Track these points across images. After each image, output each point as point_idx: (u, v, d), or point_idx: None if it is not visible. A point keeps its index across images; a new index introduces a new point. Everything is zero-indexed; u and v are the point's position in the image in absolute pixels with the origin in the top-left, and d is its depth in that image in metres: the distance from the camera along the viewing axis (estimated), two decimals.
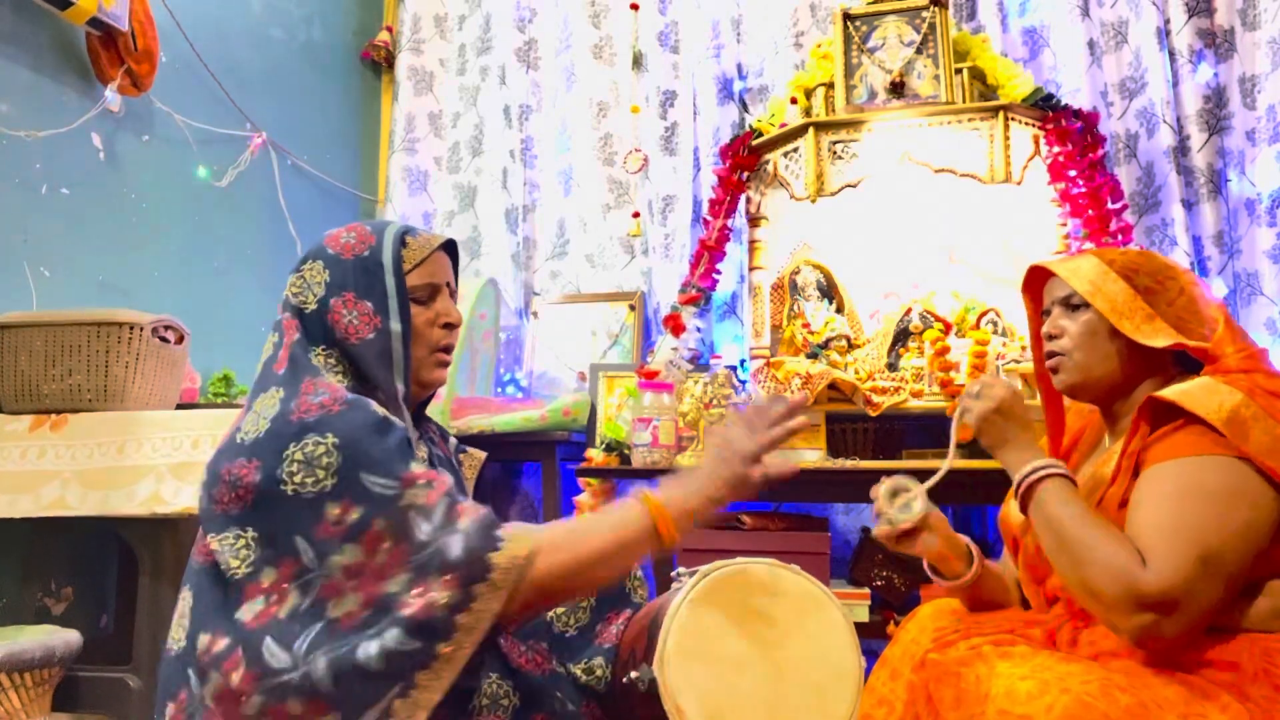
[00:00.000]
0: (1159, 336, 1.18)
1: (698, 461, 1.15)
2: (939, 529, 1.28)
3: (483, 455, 1.41)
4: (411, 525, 1.00)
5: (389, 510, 1.00)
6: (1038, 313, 1.39)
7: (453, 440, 1.38)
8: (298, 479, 1.02)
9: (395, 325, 1.16)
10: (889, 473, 1.92)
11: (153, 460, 1.83)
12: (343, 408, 1.06)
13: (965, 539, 1.34)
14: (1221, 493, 1.05)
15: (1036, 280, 1.38)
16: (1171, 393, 1.11)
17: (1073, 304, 1.26)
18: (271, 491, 1.02)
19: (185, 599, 1.08)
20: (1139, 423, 1.15)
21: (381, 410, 1.07)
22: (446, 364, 1.25)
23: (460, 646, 0.97)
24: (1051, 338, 1.28)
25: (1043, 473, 1.14)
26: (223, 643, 1.01)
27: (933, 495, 1.25)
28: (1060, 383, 1.28)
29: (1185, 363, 1.22)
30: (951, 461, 1.24)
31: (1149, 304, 1.21)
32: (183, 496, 1.78)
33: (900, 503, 1.25)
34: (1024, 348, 2.29)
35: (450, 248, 1.29)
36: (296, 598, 1.00)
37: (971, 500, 2.20)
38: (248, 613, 1.01)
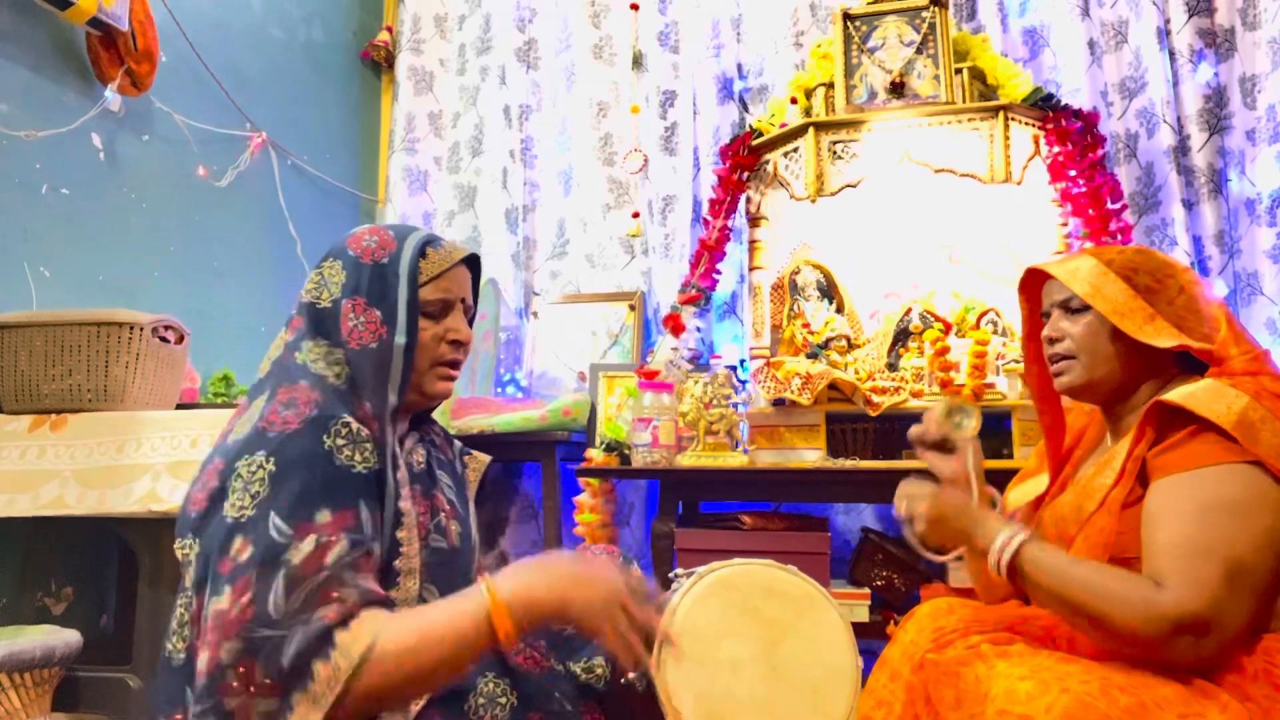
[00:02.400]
0: (1162, 337, 1.17)
1: (568, 566, 1.04)
2: (976, 471, 1.29)
3: (487, 459, 1.39)
4: (272, 589, 0.94)
5: (268, 561, 0.95)
6: (1033, 314, 1.39)
7: (457, 444, 1.37)
8: (232, 498, 1.00)
9: (399, 339, 1.13)
10: (889, 473, 1.94)
11: (151, 459, 1.83)
12: (300, 426, 1.03)
13: (995, 492, 1.34)
14: (1240, 504, 1.03)
15: (1033, 282, 1.37)
16: (1178, 396, 1.10)
17: (1072, 307, 1.25)
18: (216, 505, 1.01)
19: (180, 609, 1.08)
20: (1144, 426, 1.14)
21: (335, 440, 1.03)
22: (451, 378, 1.23)
23: None
24: (1053, 341, 1.28)
25: (1011, 548, 1.12)
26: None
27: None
28: (1063, 385, 1.27)
29: (1187, 363, 1.21)
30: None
31: (1149, 303, 1.20)
32: (180, 495, 1.77)
33: (956, 420, 1.28)
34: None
35: (473, 262, 1.27)
36: (193, 637, 0.98)
37: None
38: (193, 639, 1.00)
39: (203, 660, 0.94)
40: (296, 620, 0.93)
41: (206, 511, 1.02)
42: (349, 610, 0.95)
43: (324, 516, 0.99)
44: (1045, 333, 1.29)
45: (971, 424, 1.29)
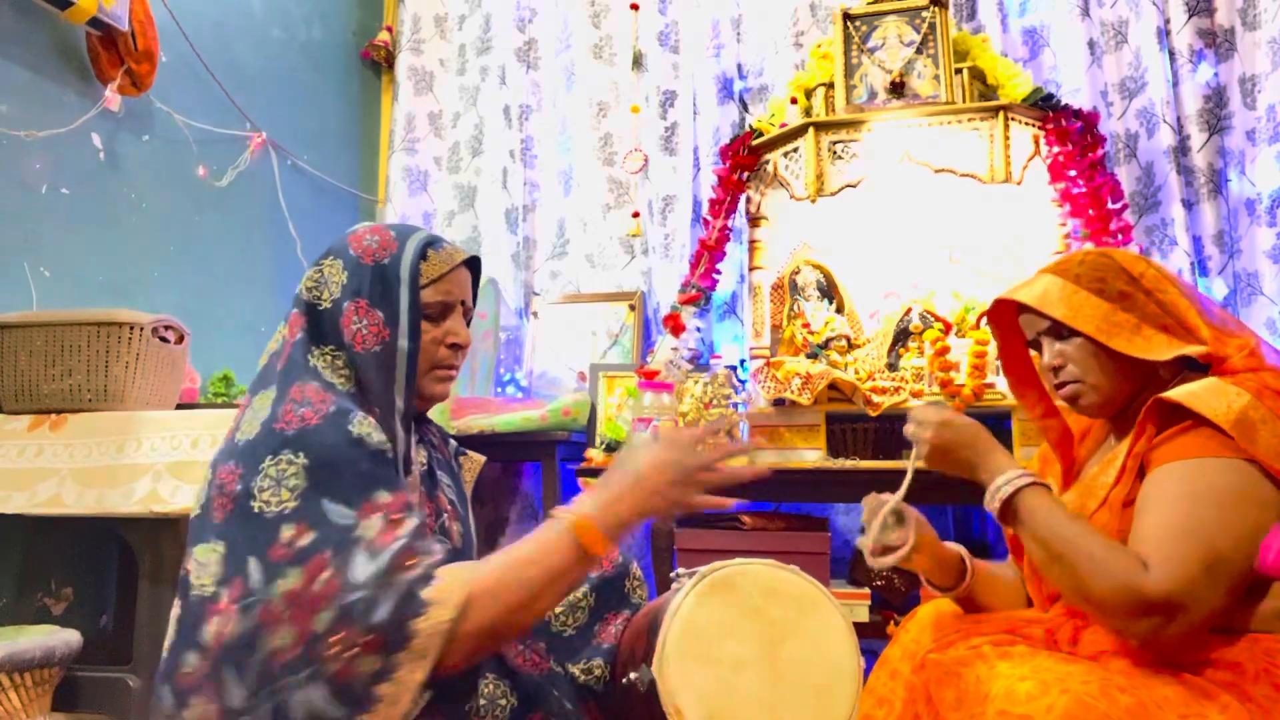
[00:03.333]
0: (1153, 345, 1.17)
1: (630, 465, 1.08)
2: (927, 548, 1.27)
3: (482, 459, 1.39)
4: (353, 561, 0.96)
5: (338, 540, 0.97)
6: (1006, 340, 1.38)
7: (453, 443, 1.37)
8: (264, 496, 1.00)
9: (403, 343, 1.13)
10: (889, 473, 1.93)
11: (151, 459, 1.83)
12: (320, 422, 1.04)
13: (957, 550, 1.33)
14: (1228, 496, 1.04)
15: (1004, 311, 1.35)
16: (1178, 394, 1.10)
17: (1061, 333, 1.23)
18: (244, 506, 1.01)
19: (176, 609, 1.08)
20: (1144, 423, 1.14)
21: (362, 428, 1.05)
22: (449, 379, 1.23)
23: (384, 718, 0.94)
24: (1056, 369, 1.26)
25: (1013, 486, 1.12)
26: (203, 667, 1.00)
27: (912, 499, 1.24)
28: (1083, 409, 1.26)
29: (1188, 359, 1.20)
30: (905, 487, 1.24)
31: (1129, 310, 1.19)
32: (181, 495, 1.77)
33: (884, 525, 1.24)
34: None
35: (473, 264, 1.27)
36: (239, 621, 0.98)
37: (971, 501, 2.19)
38: (209, 634, 1.00)
39: (288, 636, 0.94)
40: (384, 582, 0.95)
41: (232, 515, 1.02)
42: (426, 569, 0.97)
43: (384, 496, 1.01)
44: (1046, 362, 1.27)
45: (910, 523, 1.24)
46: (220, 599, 1.00)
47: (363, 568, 0.96)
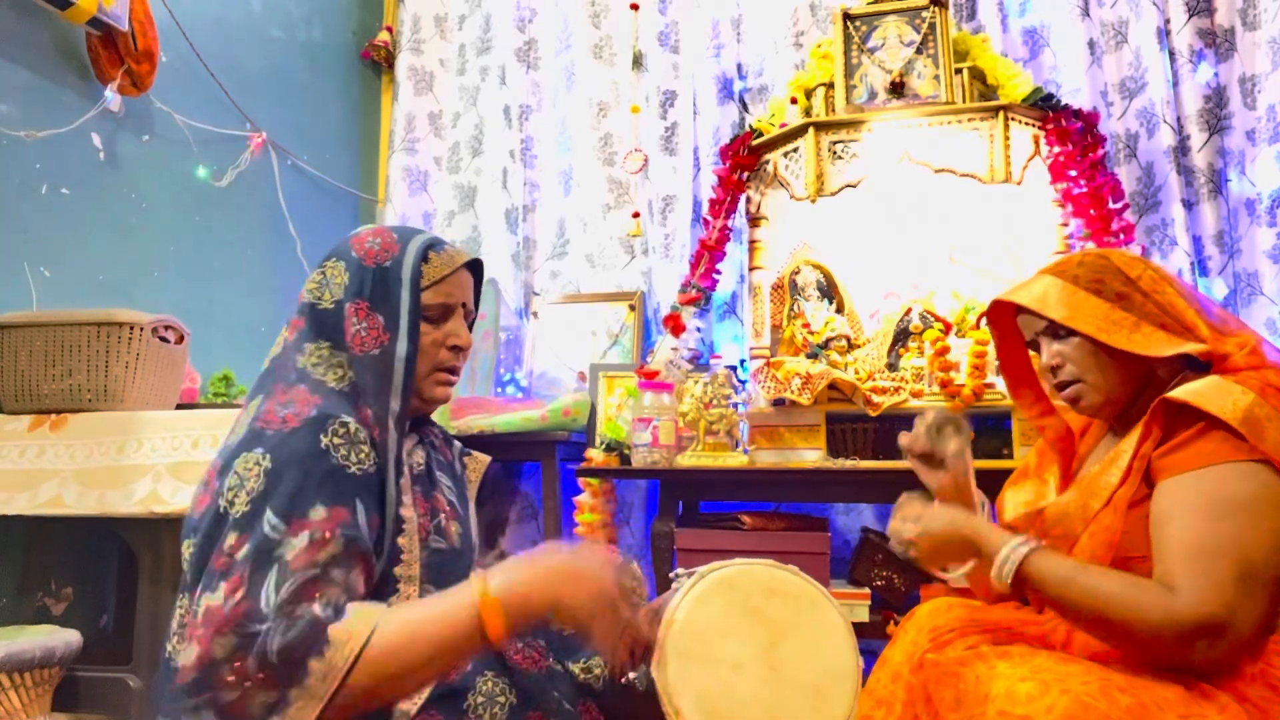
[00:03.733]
0: (1151, 343, 1.17)
1: (562, 561, 1.02)
2: (965, 480, 1.29)
3: (486, 459, 1.39)
4: (265, 584, 0.94)
5: (262, 556, 0.95)
6: (1004, 341, 1.38)
7: (456, 445, 1.37)
8: (229, 495, 1.00)
9: (401, 347, 1.13)
10: (889, 473, 1.94)
11: (151, 460, 1.83)
12: (298, 426, 1.03)
13: (980, 496, 1.34)
14: (1250, 502, 1.03)
15: (1002, 312, 1.36)
16: (1184, 393, 1.10)
17: (1059, 333, 1.24)
18: (215, 503, 1.01)
19: (180, 607, 1.08)
20: (1150, 424, 1.13)
21: (333, 439, 1.03)
22: (450, 383, 1.22)
23: None
24: (1055, 369, 1.26)
25: (1016, 558, 1.11)
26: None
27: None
28: (1083, 409, 1.26)
29: (1189, 358, 1.20)
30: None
31: (1127, 310, 1.19)
32: (181, 496, 1.78)
33: (943, 436, 1.29)
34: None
35: (475, 266, 1.26)
36: (175, 629, 0.97)
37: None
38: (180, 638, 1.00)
39: (190, 655, 0.93)
40: (282, 615, 0.93)
41: (206, 511, 1.03)
42: (333, 603, 0.95)
43: (318, 513, 0.99)
44: (1045, 363, 1.28)
45: (957, 442, 1.28)
46: (186, 605, 1.01)
47: (270, 595, 0.93)
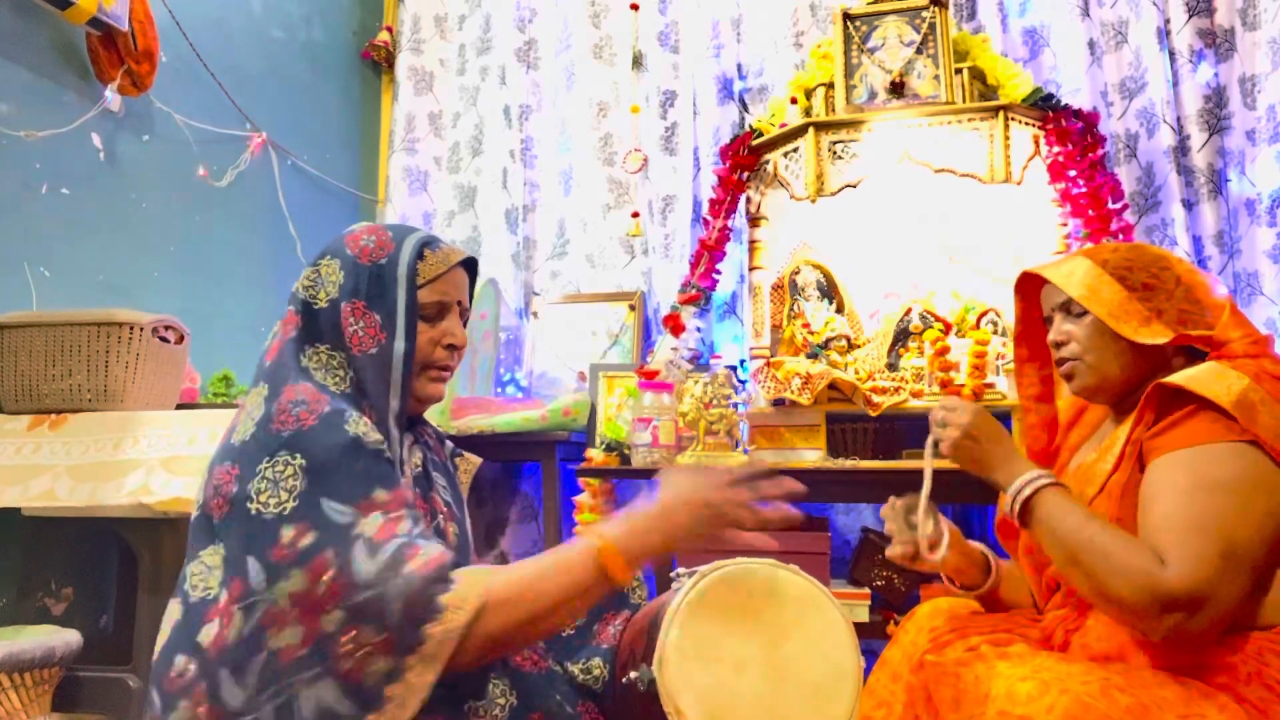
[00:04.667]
0: (1157, 336, 1.17)
1: (668, 496, 1.08)
2: (954, 545, 1.28)
3: (478, 461, 1.39)
4: (354, 559, 0.96)
5: (338, 538, 0.97)
6: (1027, 313, 1.39)
7: (449, 445, 1.37)
8: (263, 498, 1.00)
9: (399, 345, 1.13)
10: (889, 473, 1.94)
11: (146, 455, 1.82)
12: (317, 423, 1.04)
13: (980, 547, 1.34)
14: (1238, 482, 1.03)
15: (1029, 283, 1.37)
16: (1178, 377, 1.10)
17: (1073, 310, 1.25)
18: (242, 507, 1.01)
19: (174, 611, 1.08)
20: (1144, 410, 1.14)
21: (358, 427, 1.04)
22: (443, 380, 1.22)
23: (392, 717, 0.93)
24: (1059, 345, 1.27)
25: (1034, 486, 1.13)
26: (191, 669, 1.00)
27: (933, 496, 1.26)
28: (1077, 388, 1.27)
29: (1193, 352, 1.20)
30: (929, 484, 1.27)
31: (1147, 302, 1.20)
32: (172, 488, 1.76)
33: (922, 521, 1.27)
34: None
35: (470, 265, 1.27)
36: (240, 622, 0.98)
37: (972, 500, 2.19)
38: (206, 636, 1.00)
39: (295, 635, 0.95)
40: (388, 579, 0.95)
41: (230, 515, 1.02)
42: (440, 568, 0.97)
43: (381, 495, 1.01)
44: (1051, 338, 1.29)
45: (931, 526, 1.28)
46: (220, 600, 1.00)
47: (366, 565, 0.95)
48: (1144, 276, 1.21)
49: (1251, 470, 1.04)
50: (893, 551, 1.29)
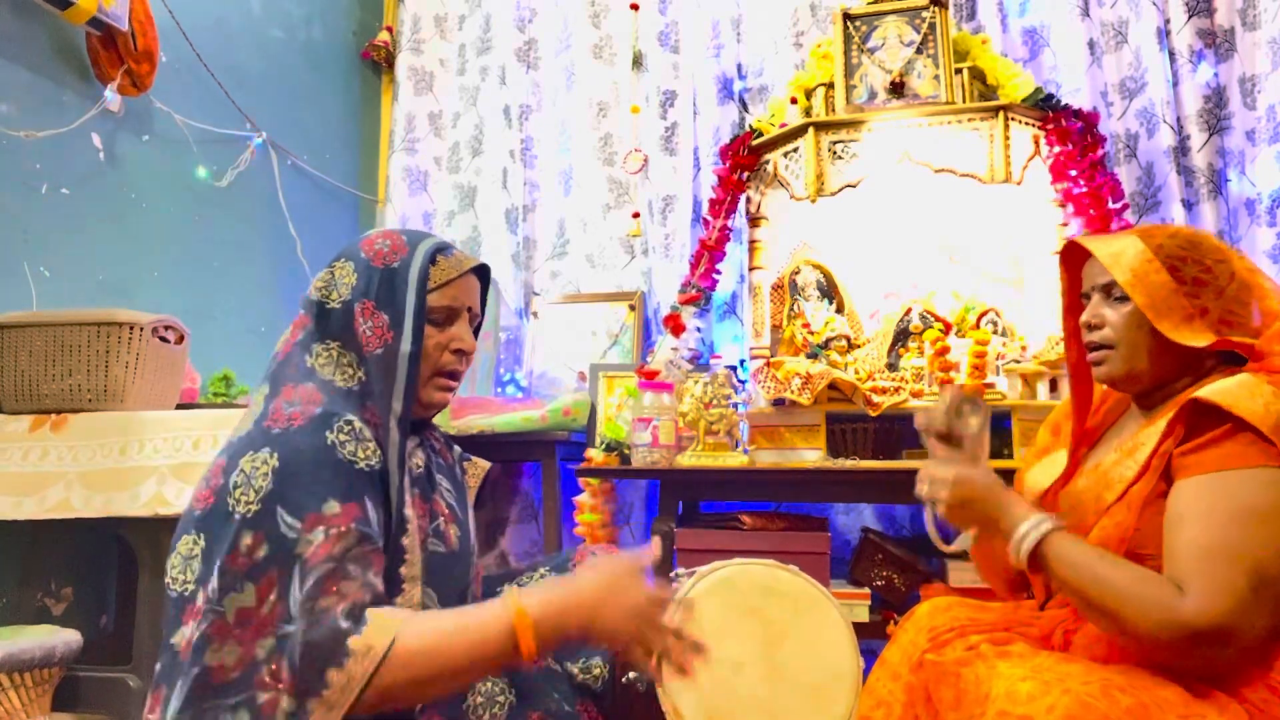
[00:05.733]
0: (1197, 337, 1.12)
1: (589, 583, 1.03)
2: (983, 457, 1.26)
3: (486, 465, 1.39)
4: (292, 584, 0.95)
5: (284, 557, 0.97)
6: (1072, 288, 1.32)
7: (456, 449, 1.38)
8: (236, 493, 1.01)
9: (405, 346, 1.14)
10: (889, 472, 1.94)
11: (154, 461, 1.83)
12: (303, 423, 1.04)
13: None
14: (1270, 511, 0.99)
15: (1075, 255, 1.30)
16: (1214, 393, 1.05)
17: (1114, 294, 1.19)
18: (221, 500, 1.02)
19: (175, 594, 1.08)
20: (1175, 423, 1.09)
21: (339, 435, 1.04)
22: (450, 389, 1.23)
23: None
24: (1091, 327, 1.22)
25: (1038, 533, 1.09)
26: (160, 673, 1.00)
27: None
28: (1101, 375, 1.22)
29: (1230, 357, 1.15)
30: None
31: (1194, 297, 1.13)
32: (185, 497, 1.78)
33: (962, 414, 1.25)
34: (1024, 348, 2.29)
35: (483, 272, 1.27)
36: (197, 631, 0.98)
37: None
38: (179, 637, 1.00)
39: (232, 655, 0.95)
40: (303, 613, 0.94)
41: (212, 508, 1.03)
42: (353, 607, 0.95)
43: (332, 508, 1.00)
44: (1084, 318, 1.23)
45: (976, 420, 1.25)
46: (196, 601, 1.01)
47: (296, 594, 0.95)
48: (1197, 270, 1.14)
49: None
50: (924, 421, 1.28)
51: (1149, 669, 1.02)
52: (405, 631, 0.96)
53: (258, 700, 0.93)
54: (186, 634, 0.99)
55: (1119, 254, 1.17)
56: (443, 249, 1.21)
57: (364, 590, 0.98)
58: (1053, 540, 1.08)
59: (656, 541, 1.09)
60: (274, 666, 0.93)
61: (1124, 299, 1.18)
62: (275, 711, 0.93)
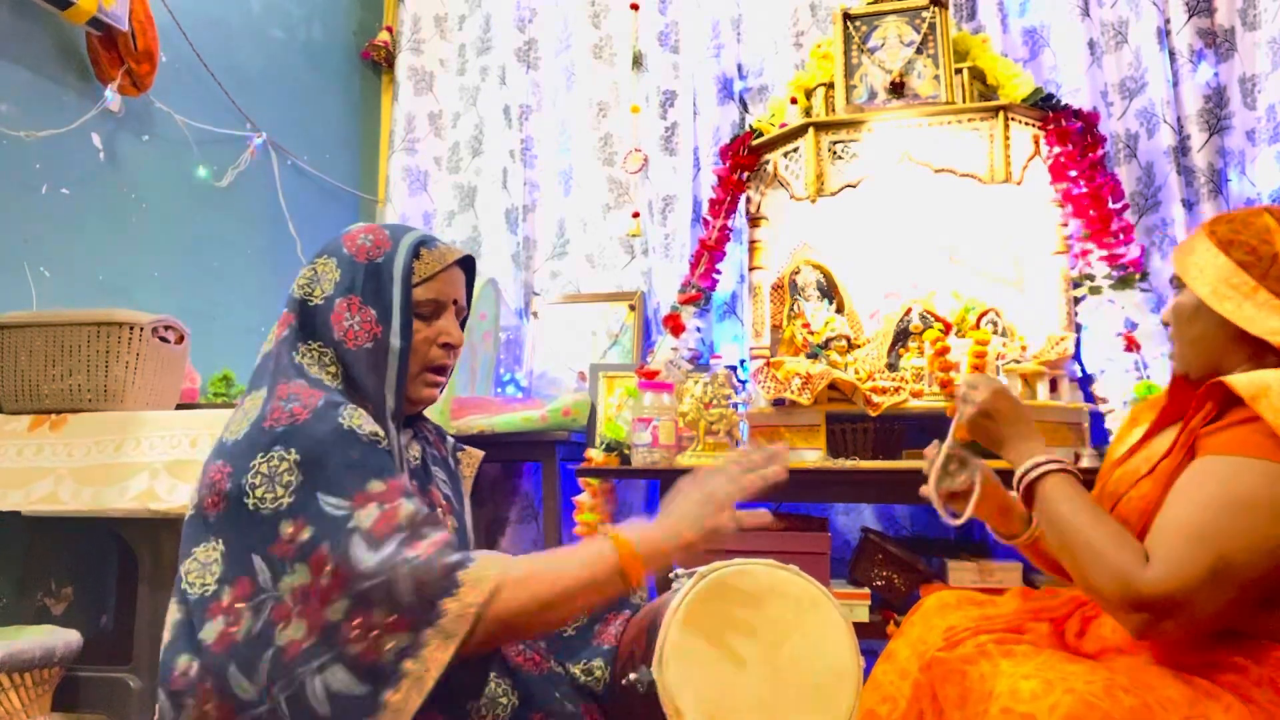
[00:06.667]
0: (1260, 318, 1.10)
1: (673, 502, 1.11)
2: (992, 494, 1.29)
3: (480, 454, 1.39)
4: (353, 550, 0.96)
5: (335, 532, 0.97)
6: None
7: (450, 440, 1.37)
8: (259, 493, 1.00)
9: (395, 340, 1.14)
10: (889, 473, 1.94)
11: (149, 457, 1.83)
12: (309, 416, 1.04)
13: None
14: (1259, 504, 0.99)
15: None
16: (1240, 380, 1.05)
17: (1174, 284, 1.23)
18: (238, 504, 1.01)
19: (174, 612, 1.08)
20: (1204, 400, 1.10)
21: (353, 420, 1.04)
22: (438, 384, 1.22)
23: (408, 697, 0.92)
24: (1166, 324, 1.25)
25: (1040, 470, 1.14)
26: (194, 668, 0.99)
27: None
28: (1176, 369, 1.24)
29: None
30: (951, 439, 1.28)
31: (1250, 271, 1.12)
32: (178, 494, 1.77)
33: (946, 472, 1.29)
34: (1024, 348, 2.29)
35: (468, 264, 1.27)
36: (250, 620, 0.98)
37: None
38: (210, 633, 1.00)
39: (299, 630, 0.95)
40: (395, 564, 0.95)
41: (226, 513, 1.02)
42: (447, 542, 0.98)
43: (377, 486, 1.01)
44: (1162, 314, 1.27)
45: (964, 476, 1.29)
46: (223, 597, 1.00)
47: (366, 556, 0.95)
48: (1254, 241, 1.13)
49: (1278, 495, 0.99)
50: (925, 490, 1.30)
51: (1157, 666, 1.02)
52: (511, 564, 0.99)
53: (349, 652, 0.93)
54: (217, 628, 0.99)
55: (1187, 246, 1.20)
56: (425, 242, 1.20)
57: (447, 534, 1.00)
58: (1052, 479, 1.13)
59: (764, 512, 1.14)
60: (358, 620, 0.94)
61: (1181, 288, 1.21)
62: (379, 654, 0.93)
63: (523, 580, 0.98)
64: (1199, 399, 1.10)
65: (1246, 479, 1.01)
